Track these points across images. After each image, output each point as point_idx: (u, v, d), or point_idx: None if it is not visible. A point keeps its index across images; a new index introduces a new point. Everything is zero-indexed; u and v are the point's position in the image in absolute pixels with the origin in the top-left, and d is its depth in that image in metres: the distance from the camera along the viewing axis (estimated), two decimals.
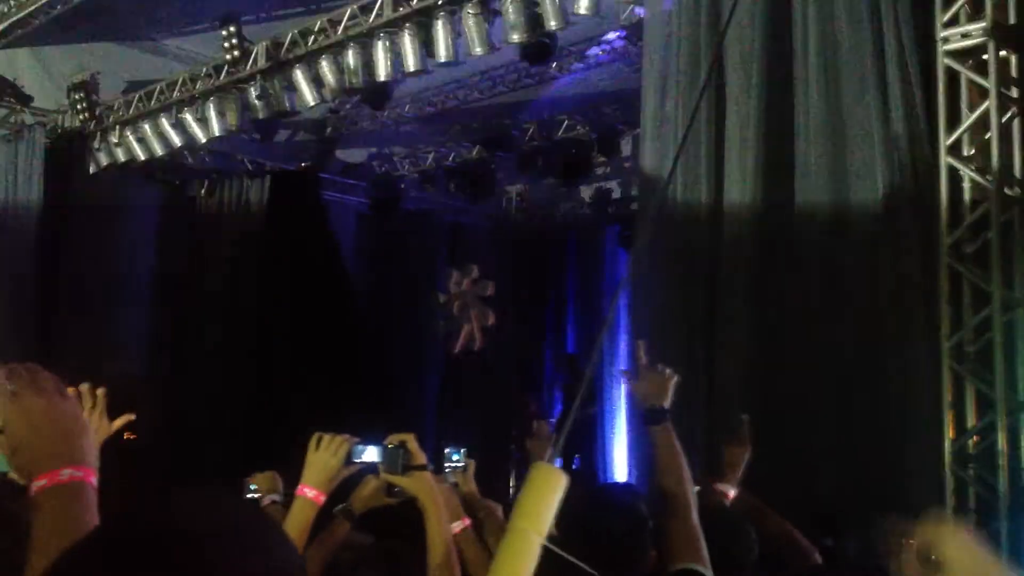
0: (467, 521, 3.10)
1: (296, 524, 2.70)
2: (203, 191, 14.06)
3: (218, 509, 1.07)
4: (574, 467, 12.21)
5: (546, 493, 1.71)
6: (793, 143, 6.95)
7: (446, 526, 2.71)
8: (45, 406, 1.50)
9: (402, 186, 15.12)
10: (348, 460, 2.80)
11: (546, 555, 1.68)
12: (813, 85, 6.84)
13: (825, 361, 6.65)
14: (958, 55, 6.32)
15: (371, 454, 2.83)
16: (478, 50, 9.26)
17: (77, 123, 12.55)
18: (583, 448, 12.23)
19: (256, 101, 10.90)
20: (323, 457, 2.76)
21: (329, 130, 14.86)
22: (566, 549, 2.74)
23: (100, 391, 2.37)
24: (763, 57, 7.11)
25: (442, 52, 9.38)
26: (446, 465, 3.77)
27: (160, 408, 13.20)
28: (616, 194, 14.22)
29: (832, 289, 6.71)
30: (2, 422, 1.50)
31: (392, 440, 2.82)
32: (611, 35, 10.89)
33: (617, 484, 3.44)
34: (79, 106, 12.31)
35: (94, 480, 1.49)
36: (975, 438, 6.17)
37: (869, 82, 6.59)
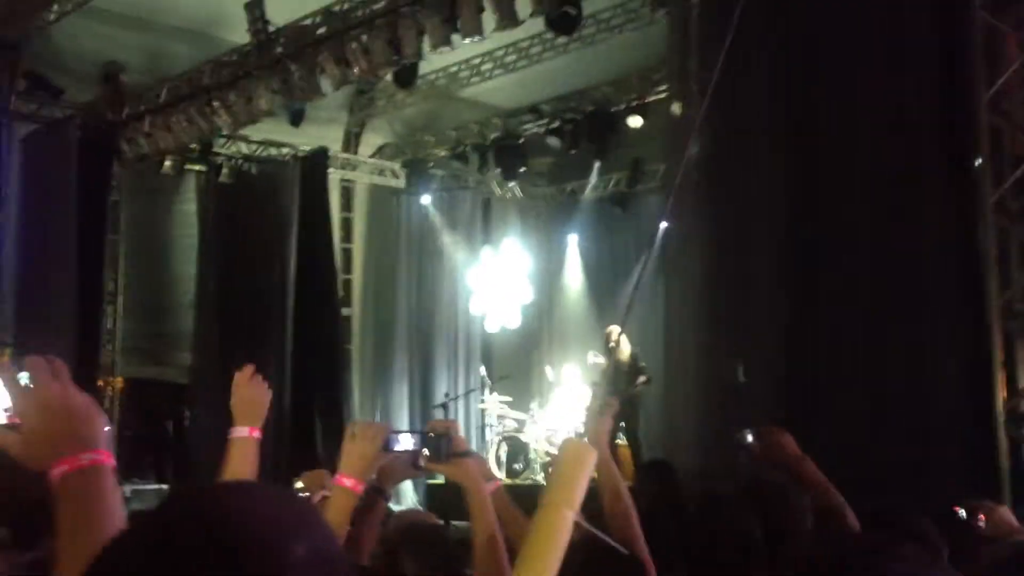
0: (497, 482, 3.06)
1: (336, 514, 2.66)
2: (235, 176, 14.07)
3: (258, 497, 1.08)
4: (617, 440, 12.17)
5: (577, 468, 1.68)
6: (824, 97, 6.80)
7: (491, 513, 2.68)
8: (59, 393, 1.51)
9: (431, 164, 15.07)
10: (385, 448, 2.75)
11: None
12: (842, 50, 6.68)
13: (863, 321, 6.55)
14: (995, 9, 6.17)
15: (408, 442, 2.80)
16: (503, 23, 9.16)
17: (108, 114, 12.59)
18: (630, 420, 12.17)
19: (283, 85, 10.88)
20: (360, 446, 2.71)
21: (358, 111, 14.87)
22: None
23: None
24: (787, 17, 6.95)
25: (467, 27, 9.29)
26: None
27: (219, 399, 13.37)
28: (649, 162, 14.08)
29: (871, 250, 6.60)
30: (17, 412, 1.50)
31: (435, 428, 2.80)
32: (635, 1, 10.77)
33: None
34: (109, 97, 12.36)
35: (112, 462, 1.50)
36: None
37: (903, 41, 6.44)
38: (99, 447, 1.48)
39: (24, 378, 1.51)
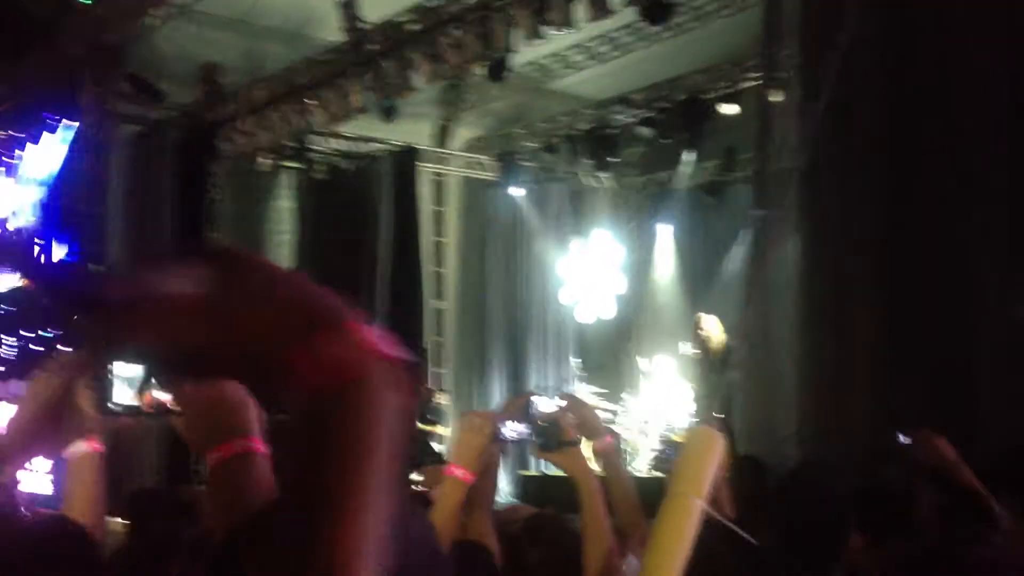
0: (609, 439, 3.06)
1: (446, 504, 2.68)
2: (329, 172, 14.31)
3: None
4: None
5: (704, 457, 1.68)
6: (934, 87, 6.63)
7: (601, 504, 2.69)
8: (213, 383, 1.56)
9: (522, 157, 15.10)
10: (496, 438, 2.77)
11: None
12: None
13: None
14: None
15: (520, 431, 2.81)
16: (595, 14, 9.14)
17: (207, 114, 12.88)
18: (724, 410, 12.05)
19: (377, 81, 11.00)
20: (470, 436, 2.73)
21: (449, 105, 14.97)
22: (762, 533, 2.70)
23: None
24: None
25: (558, 18, 9.29)
26: None
27: None
28: (742, 150, 13.89)
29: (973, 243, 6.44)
30: (174, 400, 1.57)
31: (544, 417, 2.80)
32: None
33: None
34: (208, 97, 12.64)
35: (263, 448, 1.56)
36: None
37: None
38: (250, 435, 1.54)
39: None
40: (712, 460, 1.67)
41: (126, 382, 1.65)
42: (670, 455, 8.34)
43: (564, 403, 3.10)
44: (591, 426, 2.99)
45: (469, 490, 2.75)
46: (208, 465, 1.53)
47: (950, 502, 3.47)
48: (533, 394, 2.85)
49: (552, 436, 2.76)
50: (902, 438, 3.89)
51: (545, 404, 2.82)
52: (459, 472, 2.68)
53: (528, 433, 2.79)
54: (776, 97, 8.16)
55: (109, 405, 1.63)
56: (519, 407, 2.97)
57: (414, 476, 3.79)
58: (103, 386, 1.64)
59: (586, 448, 2.95)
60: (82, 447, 2.29)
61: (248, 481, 1.49)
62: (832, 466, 3.05)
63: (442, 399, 14.35)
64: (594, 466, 2.99)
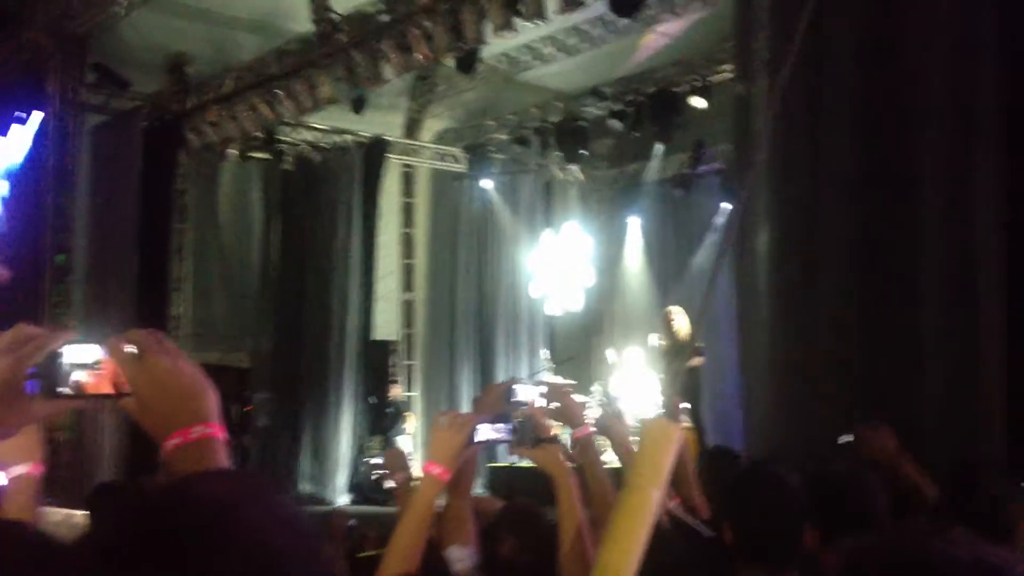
0: (588, 428, 3.07)
1: (423, 501, 2.68)
2: (297, 163, 14.24)
3: (228, 488, 1.11)
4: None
5: (662, 448, 1.67)
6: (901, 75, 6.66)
7: (577, 502, 2.70)
8: (169, 366, 1.52)
9: (492, 149, 15.09)
10: (472, 441, 2.77)
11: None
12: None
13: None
14: None
15: (496, 430, 2.81)
16: (566, 6, 9.13)
17: (174, 104, 12.78)
18: (692, 400, 12.10)
19: (346, 73, 10.95)
20: (448, 434, 2.72)
21: (419, 96, 14.93)
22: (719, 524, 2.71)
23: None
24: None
25: (529, 10, 9.28)
26: None
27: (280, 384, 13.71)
28: (711, 143, 13.95)
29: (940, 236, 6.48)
30: (130, 385, 1.53)
31: (519, 414, 2.81)
32: None
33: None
34: (175, 87, 12.53)
35: (222, 435, 1.52)
36: None
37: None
38: (209, 420, 1.50)
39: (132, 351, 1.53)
40: (669, 451, 1.67)
41: (77, 365, 1.57)
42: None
43: (544, 390, 3.12)
44: (571, 414, 3.01)
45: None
46: (164, 452, 1.48)
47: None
48: (514, 381, 2.85)
49: (528, 433, 2.76)
50: (843, 439, 3.92)
51: (524, 392, 2.83)
52: (436, 470, 2.67)
53: (506, 432, 2.78)
54: (746, 90, 8.17)
55: (58, 390, 1.55)
56: (499, 395, 2.99)
57: (376, 460, 3.76)
58: (52, 369, 1.56)
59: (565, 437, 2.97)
60: (21, 470, 2.13)
61: (208, 468, 1.45)
62: (786, 461, 3.07)
63: (395, 390, 14.37)
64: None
